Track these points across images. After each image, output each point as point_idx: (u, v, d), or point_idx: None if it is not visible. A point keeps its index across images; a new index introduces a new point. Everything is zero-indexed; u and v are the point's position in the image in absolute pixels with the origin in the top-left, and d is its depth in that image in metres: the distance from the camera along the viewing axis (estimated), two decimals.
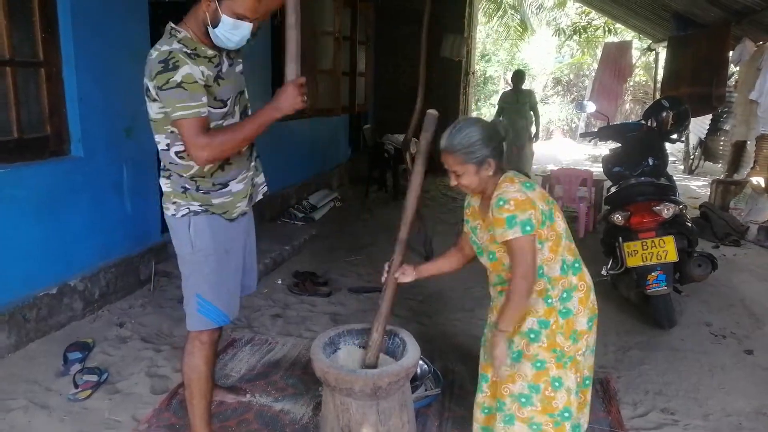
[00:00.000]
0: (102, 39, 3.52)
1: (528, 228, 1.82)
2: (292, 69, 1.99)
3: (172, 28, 1.94)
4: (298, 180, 6.59)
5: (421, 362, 2.66)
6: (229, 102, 2.01)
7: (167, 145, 2.00)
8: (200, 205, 2.07)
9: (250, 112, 2.19)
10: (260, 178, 2.31)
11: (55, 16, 3.25)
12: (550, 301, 1.92)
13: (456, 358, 3.14)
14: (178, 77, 1.82)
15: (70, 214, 3.39)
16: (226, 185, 2.09)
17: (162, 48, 1.87)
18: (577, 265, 1.98)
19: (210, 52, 1.95)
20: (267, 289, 4.15)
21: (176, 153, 2.00)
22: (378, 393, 2.00)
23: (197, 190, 2.05)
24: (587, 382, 2.05)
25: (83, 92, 3.41)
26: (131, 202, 3.84)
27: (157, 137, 2.01)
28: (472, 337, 3.40)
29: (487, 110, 17.98)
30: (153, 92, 1.89)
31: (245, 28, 1.92)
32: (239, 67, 2.13)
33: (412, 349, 2.16)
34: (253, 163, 2.21)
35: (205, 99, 1.88)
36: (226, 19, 1.87)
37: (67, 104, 3.39)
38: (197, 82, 1.85)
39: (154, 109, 1.94)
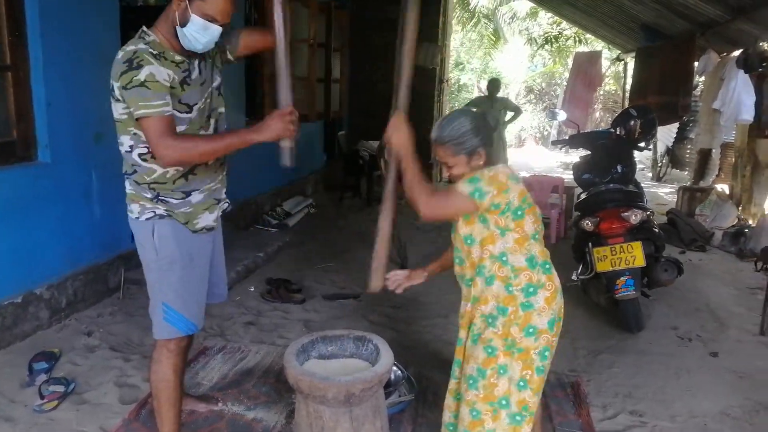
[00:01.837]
0: (71, 43, 3.47)
1: (477, 194, 1.87)
2: (284, 96, 1.98)
3: (142, 31, 1.94)
4: (272, 186, 6.56)
5: (394, 368, 2.67)
6: (195, 108, 1.99)
7: (130, 146, 1.98)
8: (165, 210, 2.04)
9: (224, 127, 2.18)
10: (222, 194, 2.25)
11: (23, 19, 3.19)
12: (511, 289, 1.94)
13: (430, 364, 3.15)
14: (141, 76, 1.81)
15: (37, 220, 3.32)
16: (188, 194, 2.06)
17: (127, 48, 1.87)
18: (547, 266, 2.00)
19: (177, 57, 1.93)
20: (240, 297, 4.11)
21: (139, 155, 1.98)
22: (351, 400, 2.00)
23: (157, 198, 2.03)
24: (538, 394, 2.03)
25: (51, 97, 3.35)
26: (100, 209, 3.77)
27: (121, 138, 1.99)
28: (446, 343, 3.42)
29: None
30: (117, 92, 1.87)
31: (214, 31, 1.91)
32: (216, 82, 2.12)
33: (385, 355, 2.17)
34: (220, 177, 2.19)
35: (168, 99, 1.86)
36: (195, 20, 1.86)
37: (35, 109, 3.32)
38: (160, 81, 1.84)
39: (118, 110, 1.92)
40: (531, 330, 1.94)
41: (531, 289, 1.95)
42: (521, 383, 1.95)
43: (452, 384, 2.14)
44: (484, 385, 1.94)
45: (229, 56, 2.19)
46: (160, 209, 2.04)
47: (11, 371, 2.90)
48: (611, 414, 2.77)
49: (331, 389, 1.97)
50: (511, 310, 1.94)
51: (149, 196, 2.03)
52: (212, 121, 2.10)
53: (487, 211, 1.91)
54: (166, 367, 2.15)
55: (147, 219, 2.04)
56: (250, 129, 1.98)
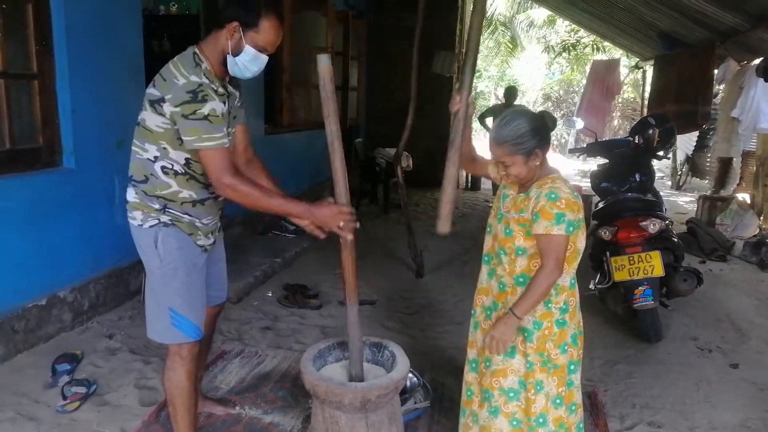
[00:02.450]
0: (96, 51, 3.55)
1: (571, 229, 1.87)
2: (341, 192, 2.01)
3: (195, 54, 1.97)
4: (290, 192, 6.57)
5: (410, 375, 2.68)
6: (225, 130, 2.04)
7: (155, 157, 2.01)
8: (170, 219, 2.08)
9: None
10: (218, 225, 2.30)
11: (49, 29, 3.28)
12: (550, 306, 1.96)
13: (445, 370, 3.15)
14: (205, 110, 1.87)
15: (61, 225, 3.39)
16: (192, 216, 2.11)
17: (191, 78, 1.89)
18: (573, 281, 2.02)
19: (221, 90, 2.00)
20: (257, 302, 4.15)
21: (162, 167, 2.02)
22: (367, 406, 2.02)
23: (164, 209, 2.07)
24: (572, 407, 2.06)
25: (76, 104, 3.43)
26: (122, 214, 3.81)
27: (146, 146, 2.02)
28: (461, 349, 3.39)
29: (476, 125, 18.10)
30: (168, 113, 1.90)
31: (262, 61, 2.00)
32: (239, 103, 2.19)
33: (401, 361, 2.18)
34: (219, 213, 2.25)
35: (226, 131, 1.95)
36: (248, 50, 1.95)
37: (60, 116, 3.40)
38: (219, 116, 1.91)
39: (156, 122, 1.96)
40: (565, 347, 1.95)
41: (565, 307, 1.97)
42: (557, 400, 1.97)
43: (470, 377, 2.17)
44: (525, 398, 1.97)
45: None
46: (165, 218, 2.07)
47: (35, 372, 2.96)
48: (629, 425, 2.75)
49: (348, 395, 1.99)
50: (545, 326, 1.95)
51: (156, 206, 2.06)
52: (229, 138, 2.14)
53: None
54: (180, 374, 2.17)
55: (150, 227, 2.07)
56: (304, 205, 2.02)
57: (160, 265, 2.09)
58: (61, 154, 3.45)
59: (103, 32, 3.61)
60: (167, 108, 1.90)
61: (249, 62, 1.98)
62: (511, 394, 1.99)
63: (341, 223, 1.99)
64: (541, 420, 1.96)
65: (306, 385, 2.10)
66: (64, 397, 2.71)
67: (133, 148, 2.07)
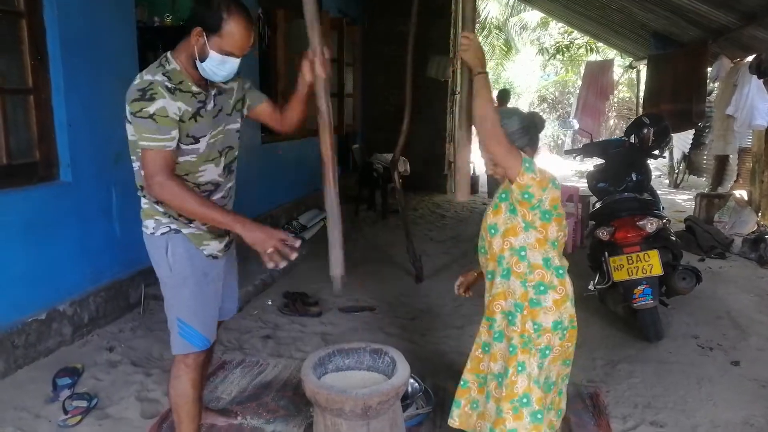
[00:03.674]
0: (91, 65, 3.56)
1: (527, 164, 1.89)
2: (329, 173, 2.09)
3: (164, 57, 1.97)
4: (288, 200, 6.62)
5: (411, 380, 2.67)
6: (203, 140, 2.00)
7: (139, 166, 2.01)
8: (177, 227, 2.06)
9: (234, 169, 2.21)
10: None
11: (44, 44, 3.29)
12: (526, 285, 1.99)
13: (447, 375, 3.14)
14: (151, 108, 1.84)
15: (59, 238, 3.39)
16: (190, 221, 2.07)
17: (144, 77, 1.90)
18: (561, 271, 2.03)
19: (195, 88, 1.96)
20: (257, 311, 4.15)
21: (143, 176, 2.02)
22: (368, 413, 2.02)
23: (167, 215, 2.05)
24: (560, 392, 2.10)
25: (72, 118, 3.44)
26: (120, 226, 3.84)
27: (133, 157, 2.03)
28: (462, 354, 3.40)
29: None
30: (128, 116, 1.92)
31: (232, 64, 1.95)
32: (236, 125, 2.15)
33: (402, 367, 2.18)
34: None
35: (175, 134, 1.89)
36: (213, 55, 1.91)
37: (56, 130, 3.41)
38: (169, 116, 1.87)
39: (130, 131, 1.97)
40: (536, 326, 1.97)
41: (542, 288, 1.99)
42: (537, 381, 1.98)
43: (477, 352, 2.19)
44: (507, 384, 1.99)
45: (245, 110, 2.23)
46: (174, 225, 2.06)
47: (36, 387, 2.96)
48: (631, 425, 2.75)
49: (349, 402, 1.99)
50: (525, 306, 1.98)
51: (162, 210, 2.06)
52: (223, 159, 2.11)
53: (519, 201, 1.95)
54: (185, 383, 2.17)
55: (162, 234, 2.06)
56: (241, 220, 1.93)
57: (170, 274, 2.09)
58: (58, 167, 3.46)
59: (98, 46, 3.62)
60: (127, 111, 1.91)
61: (216, 67, 1.93)
62: (499, 380, 2.02)
63: (269, 249, 1.89)
64: (525, 400, 1.96)
65: (307, 393, 2.10)
66: (66, 412, 2.70)
67: None
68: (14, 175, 3.19)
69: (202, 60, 1.92)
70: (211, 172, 2.07)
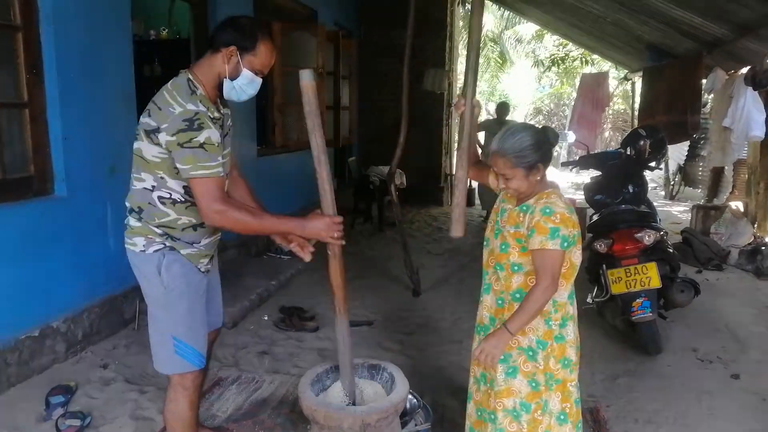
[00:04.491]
0: (87, 78, 3.55)
1: (566, 244, 1.87)
2: (327, 204, 2.03)
3: (189, 80, 1.97)
4: (284, 213, 6.58)
5: (410, 397, 2.63)
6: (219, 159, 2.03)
7: (152, 186, 2.00)
8: (172, 245, 2.06)
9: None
10: (216, 247, 2.28)
11: (39, 57, 3.28)
12: (550, 323, 1.96)
13: (446, 391, 3.12)
14: (201, 138, 1.86)
15: (54, 254, 3.36)
16: (191, 243, 2.09)
17: (188, 107, 1.89)
18: (572, 295, 2.02)
19: (216, 114, 2.00)
20: (253, 326, 4.11)
21: (159, 197, 2.01)
22: (367, 430, 1.98)
23: (165, 235, 2.04)
24: (578, 426, 2.06)
25: (68, 132, 3.42)
26: (115, 241, 3.80)
27: (143, 176, 2.00)
28: (460, 368, 3.38)
29: None
30: (164, 142, 1.89)
31: (257, 83, 2.03)
32: (230, 122, 2.19)
33: (400, 384, 2.15)
34: (219, 233, 2.22)
35: (222, 159, 1.95)
36: (246, 73, 1.97)
37: (51, 144, 3.38)
38: (215, 144, 1.90)
39: (152, 152, 1.95)
40: (567, 362, 1.95)
41: (562, 322, 1.97)
42: (561, 416, 1.97)
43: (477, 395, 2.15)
44: (529, 420, 1.94)
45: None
46: (169, 243, 2.05)
47: (28, 405, 2.91)
48: None
49: (347, 420, 1.96)
50: (549, 344, 1.95)
51: (159, 231, 2.04)
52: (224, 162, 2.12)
53: None
54: (183, 406, 2.13)
55: (155, 251, 2.04)
56: (296, 220, 2.03)
57: (164, 292, 2.06)
58: (53, 182, 3.43)
59: (94, 59, 3.61)
60: (163, 137, 1.89)
61: (246, 85, 2.01)
62: (515, 415, 1.97)
63: (335, 234, 1.98)
64: None
65: (304, 410, 2.06)
66: (59, 431, 2.66)
67: (131, 176, 2.06)
68: (8, 189, 3.16)
69: (233, 78, 1.97)
70: None
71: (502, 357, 1.99)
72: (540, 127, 2.17)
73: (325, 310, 4.42)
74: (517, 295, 1.98)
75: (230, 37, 1.96)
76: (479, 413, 2.14)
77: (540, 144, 1.97)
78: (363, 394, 2.20)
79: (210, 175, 1.89)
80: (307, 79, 1.92)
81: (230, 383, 3.22)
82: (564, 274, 1.93)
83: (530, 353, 1.95)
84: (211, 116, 1.95)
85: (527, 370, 1.96)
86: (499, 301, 2.05)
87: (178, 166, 1.91)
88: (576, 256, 1.96)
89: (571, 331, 1.96)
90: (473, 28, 2.27)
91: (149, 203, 2.02)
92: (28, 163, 3.32)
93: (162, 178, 1.98)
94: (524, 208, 1.97)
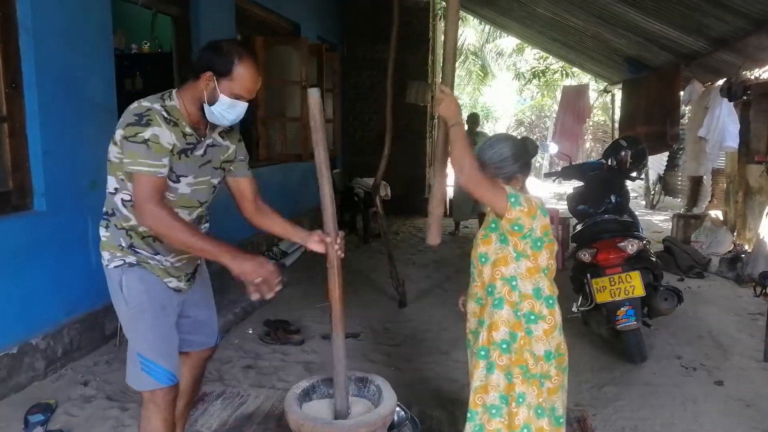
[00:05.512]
0: (67, 93, 3.51)
1: (513, 199, 1.90)
2: (328, 218, 2.13)
3: (168, 92, 1.97)
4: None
5: (398, 409, 2.61)
6: (183, 181, 1.98)
7: (115, 189, 1.98)
8: (136, 259, 2.02)
9: (208, 220, 2.21)
10: (191, 270, 2.20)
11: (19, 71, 3.23)
12: (518, 314, 1.99)
13: (434, 403, 3.10)
14: (146, 134, 1.83)
15: (33, 269, 3.30)
16: (156, 252, 2.04)
17: (143, 103, 1.89)
18: (551, 301, 2.04)
19: (188, 130, 1.96)
20: (237, 340, 4.06)
21: (122, 200, 1.99)
22: None
23: (131, 247, 2.01)
24: (560, 420, 2.06)
25: (47, 146, 3.37)
26: (96, 256, 3.72)
27: (109, 178, 2.00)
28: (448, 380, 3.37)
29: None
30: (118, 139, 1.89)
31: (241, 108, 1.96)
32: (216, 180, 2.11)
33: (388, 396, 2.13)
34: (188, 255, 2.12)
35: (166, 161, 1.87)
36: (223, 99, 1.92)
37: (31, 159, 3.34)
38: (161, 143, 1.85)
39: (113, 152, 1.94)
40: (534, 356, 1.96)
41: (532, 317, 1.99)
42: (539, 410, 1.97)
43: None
44: (507, 413, 1.97)
45: (227, 174, 2.18)
46: (131, 258, 2.01)
47: (6, 425, 2.84)
48: None
49: None
50: (520, 336, 1.98)
51: (124, 244, 2.01)
52: (198, 210, 2.10)
53: (509, 231, 1.95)
54: (155, 423, 2.07)
55: (115, 267, 2.01)
56: (230, 250, 1.91)
57: (126, 308, 2.03)
58: (32, 196, 3.37)
59: (75, 73, 3.58)
60: (118, 134, 1.89)
61: (225, 111, 1.94)
62: (494, 411, 1.98)
63: (258, 279, 1.87)
64: (526, 431, 1.96)
65: (291, 425, 2.03)
66: None
67: None
68: None
69: (211, 104, 1.92)
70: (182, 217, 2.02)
71: (483, 353, 2.02)
72: (519, 138, 2.20)
73: (311, 323, 4.40)
74: (490, 289, 2.03)
75: (206, 63, 1.92)
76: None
77: (519, 155, 2.02)
78: (350, 410, 2.18)
79: (148, 173, 1.83)
80: (315, 96, 1.96)
81: (215, 398, 3.17)
82: (528, 267, 1.99)
83: (504, 346, 1.98)
84: (177, 124, 1.91)
85: (503, 364, 1.98)
86: (480, 302, 2.10)
87: (123, 161, 1.89)
88: (542, 259, 2.01)
89: (540, 329, 1.98)
90: (448, 38, 2.26)
91: (113, 207, 2.01)
92: (7, 177, 3.27)
93: (122, 180, 1.95)
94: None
